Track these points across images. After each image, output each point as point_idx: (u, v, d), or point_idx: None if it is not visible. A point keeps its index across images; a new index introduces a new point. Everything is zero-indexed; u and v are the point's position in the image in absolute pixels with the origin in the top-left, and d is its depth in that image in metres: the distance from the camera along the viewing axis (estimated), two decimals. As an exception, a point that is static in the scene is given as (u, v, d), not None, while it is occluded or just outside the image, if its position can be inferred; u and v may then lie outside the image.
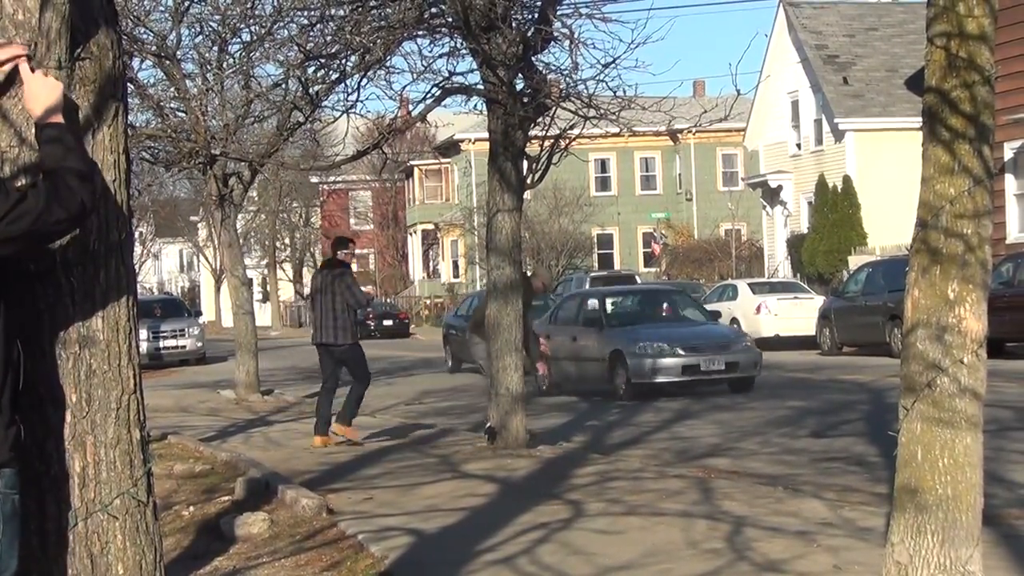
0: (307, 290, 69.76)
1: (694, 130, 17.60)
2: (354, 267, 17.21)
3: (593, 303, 23.29)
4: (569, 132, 14.51)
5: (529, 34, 13.78)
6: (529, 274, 16.91)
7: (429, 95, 14.58)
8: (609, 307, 23.04)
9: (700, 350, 20.86)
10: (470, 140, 61.45)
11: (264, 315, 72.55)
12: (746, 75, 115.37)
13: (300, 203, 78.92)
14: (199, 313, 46.64)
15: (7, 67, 4.13)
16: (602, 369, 21.31)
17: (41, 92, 4.11)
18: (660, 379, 20.59)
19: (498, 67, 13.55)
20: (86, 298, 4.31)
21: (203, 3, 21.03)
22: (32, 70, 4.15)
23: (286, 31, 17.10)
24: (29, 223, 3.97)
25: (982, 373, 5.40)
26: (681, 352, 20.75)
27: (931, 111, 5.46)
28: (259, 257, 78.71)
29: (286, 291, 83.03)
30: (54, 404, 4.26)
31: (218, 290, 79.71)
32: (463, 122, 46.48)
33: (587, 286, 44.54)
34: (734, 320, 34.56)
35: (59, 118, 4.11)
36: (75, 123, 4.24)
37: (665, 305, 23.49)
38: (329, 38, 14.86)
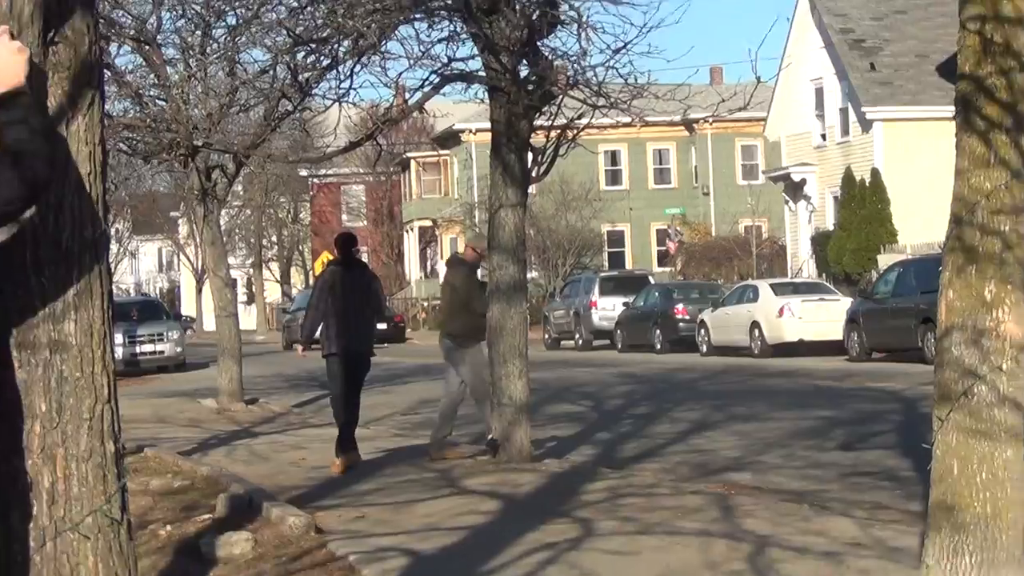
0: (297, 291, 69.96)
1: (711, 120, 17.66)
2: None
3: None
4: (577, 122, 14.50)
5: (534, 17, 13.78)
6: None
7: (427, 82, 14.58)
8: None
9: None
10: (471, 130, 61.50)
11: (249, 318, 72.56)
12: (767, 61, 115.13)
13: (288, 198, 79.04)
14: (179, 316, 46.64)
15: None
16: None
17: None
18: None
19: (501, 53, 13.54)
20: (58, 300, 4.30)
21: (185, -17, 21.06)
22: None
23: (274, 14, 17.13)
24: None
25: (1023, 381, 5.39)
26: None
27: (965, 99, 5.46)
28: (244, 256, 78.79)
29: (272, 292, 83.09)
30: (22, 414, 4.24)
31: (199, 291, 79.80)
32: (463, 111, 46.51)
33: (596, 288, 44.55)
34: (754, 324, 34.60)
35: (19, 81, 3.99)
36: (40, 90, 4.18)
37: None
38: (320, 21, 14.86)
